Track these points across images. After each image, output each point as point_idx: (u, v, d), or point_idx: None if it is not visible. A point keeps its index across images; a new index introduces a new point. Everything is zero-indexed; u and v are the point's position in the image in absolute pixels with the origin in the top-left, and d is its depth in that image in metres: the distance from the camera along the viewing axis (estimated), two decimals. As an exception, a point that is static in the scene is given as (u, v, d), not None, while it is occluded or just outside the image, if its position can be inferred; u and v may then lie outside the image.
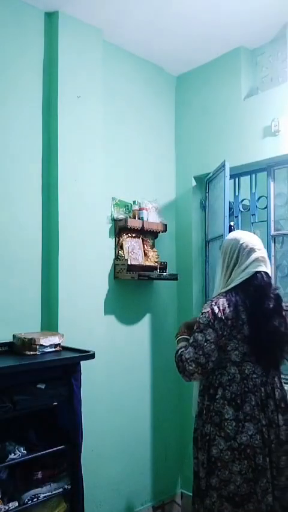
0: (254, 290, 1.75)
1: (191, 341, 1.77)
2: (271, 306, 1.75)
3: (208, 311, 1.73)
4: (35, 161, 2.34)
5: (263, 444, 1.67)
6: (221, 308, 1.71)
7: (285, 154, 2.48)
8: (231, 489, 1.67)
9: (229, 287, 1.79)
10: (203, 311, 1.75)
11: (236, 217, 2.87)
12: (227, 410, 1.70)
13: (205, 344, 1.71)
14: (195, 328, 1.77)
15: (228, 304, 1.72)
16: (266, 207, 2.69)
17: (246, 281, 1.77)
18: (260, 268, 1.77)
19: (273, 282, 2.55)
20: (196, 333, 1.74)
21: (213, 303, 1.74)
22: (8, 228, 2.21)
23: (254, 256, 1.78)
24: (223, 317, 1.70)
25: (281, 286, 2.66)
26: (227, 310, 1.71)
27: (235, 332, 1.72)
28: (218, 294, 1.80)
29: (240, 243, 1.80)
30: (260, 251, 1.81)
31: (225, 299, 1.74)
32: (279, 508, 1.71)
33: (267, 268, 1.81)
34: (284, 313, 1.80)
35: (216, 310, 1.71)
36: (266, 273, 1.80)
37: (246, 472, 1.66)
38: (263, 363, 1.74)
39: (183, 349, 1.80)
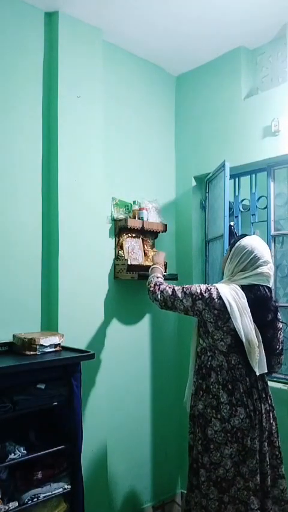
0: (255, 299, 1.83)
1: (176, 287, 1.96)
2: (269, 318, 1.86)
3: (202, 289, 1.86)
4: (34, 161, 2.34)
5: (251, 427, 1.80)
6: (212, 297, 1.82)
7: (285, 154, 2.48)
8: (220, 473, 1.81)
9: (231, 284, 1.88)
10: (199, 285, 1.89)
11: (236, 217, 2.88)
12: (222, 394, 1.83)
13: (179, 301, 1.91)
14: (183, 286, 1.94)
15: (219, 296, 1.81)
16: (266, 207, 2.69)
17: (246, 286, 1.85)
18: (260, 283, 1.85)
19: (274, 294, 2.61)
20: (181, 290, 1.92)
21: (208, 289, 1.86)
22: (8, 228, 2.21)
23: (259, 270, 1.85)
24: (210, 304, 1.82)
25: (281, 286, 2.66)
26: (216, 300, 1.81)
27: (221, 323, 1.82)
28: (218, 283, 1.92)
29: (254, 253, 1.86)
30: (268, 266, 1.86)
31: (220, 291, 1.82)
32: (260, 489, 1.84)
33: (269, 283, 1.88)
34: (279, 325, 1.92)
35: (207, 296, 1.83)
36: (268, 287, 1.87)
37: (235, 455, 1.80)
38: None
39: (161, 281, 2.08)
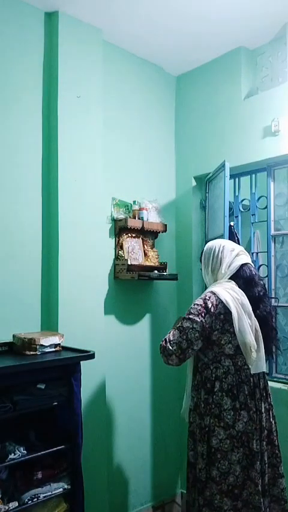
0: (243, 281, 1.90)
1: (177, 325, 1.86)
2: (261, 293, 1.92)
3: (201, 304, 1.83)
4: (35, 161, 2.34)
5: (255, 430, 1.81)
6: (215, 303, 1.82)
7: (285, 154, 2.48)
8: (230, 481, 1.79)
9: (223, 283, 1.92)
10: (196, 303, 1.85)
11: (236, 217, 2.88)
12: (225, 401, 1.82)
13: (190, 330, 1.80)
14: (185, 315, 1.86)
15: (220, 300, 1.83)
16: (266, 207, 2.69)
17: (234, 275, 1.92)
18: (243, 261, 1.93)
19: (269, 278, 2.62)
20: (184, 320, 1.84)
21: (207, 298, 1.84)
22: (8, 228, 2.21)
23: (234, 252, 1.95)
24: (216, 312, 1.82)
25: (281, 286, 2.66)
26: (219, 305, 1.82)
27: (227, 325, 1.83)
28: (212, 287, 1.93)
29: (222, 246, 1.97)
30: (238, 248, 1.98)
31: (218, 295, 1.84)
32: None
33: (249, 259, 1.97)
34: (267, 298, 1.98)
35: (209, 305, 1.82)
36: (250, 264, 1.96)
37: (243, 459, 1.80)
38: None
39: (169, 333, 1.89)
